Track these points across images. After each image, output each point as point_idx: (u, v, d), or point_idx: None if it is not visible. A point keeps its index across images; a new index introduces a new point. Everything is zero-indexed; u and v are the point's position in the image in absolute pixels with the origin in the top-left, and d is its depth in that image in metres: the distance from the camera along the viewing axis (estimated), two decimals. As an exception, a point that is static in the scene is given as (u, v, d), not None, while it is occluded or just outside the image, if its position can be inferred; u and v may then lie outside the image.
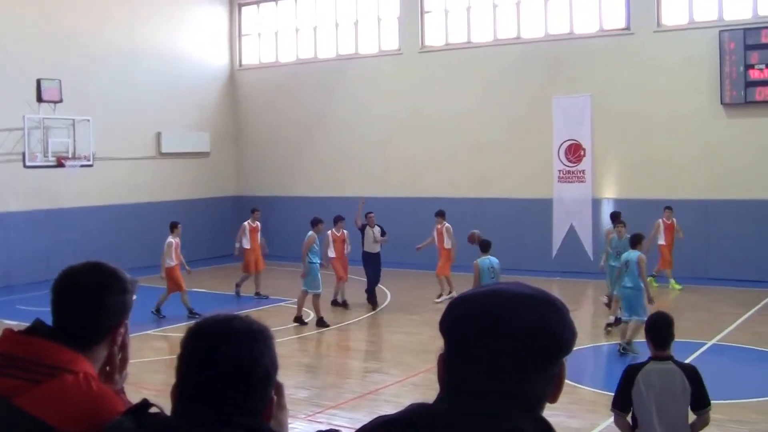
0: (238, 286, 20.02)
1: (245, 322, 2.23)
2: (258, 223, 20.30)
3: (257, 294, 19.58)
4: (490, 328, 1.82)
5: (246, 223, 20.36)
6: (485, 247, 14.24)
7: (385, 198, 24.67)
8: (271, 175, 28.16)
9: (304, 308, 16.80)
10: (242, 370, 2.14)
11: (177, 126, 26.70)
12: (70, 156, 22.10)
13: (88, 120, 22.37)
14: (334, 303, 18.42)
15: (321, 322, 16.43)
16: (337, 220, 18.75)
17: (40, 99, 21.64)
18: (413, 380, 12.57)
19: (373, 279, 18.87)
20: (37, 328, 2.52)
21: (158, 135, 26.11)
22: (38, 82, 21.62)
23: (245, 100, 28.95)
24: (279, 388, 2.26)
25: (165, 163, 26.39)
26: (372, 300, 18.65)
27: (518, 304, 1.85)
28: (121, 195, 24.75)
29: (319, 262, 16.98)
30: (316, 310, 16.56)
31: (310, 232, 17.15)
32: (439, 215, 19.75)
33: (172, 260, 17.46)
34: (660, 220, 19.94)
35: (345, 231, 18.70)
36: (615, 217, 17.94)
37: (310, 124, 27.16)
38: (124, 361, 2.66)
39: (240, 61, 29.16)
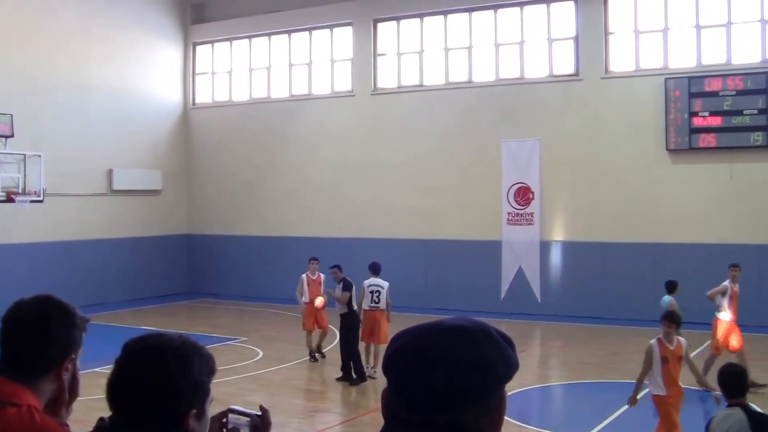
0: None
1: (161, 340, 2.28)
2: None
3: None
4: (422, 360, 1.80)
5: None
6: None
7: (335, 238, 24.75)
8: (222, 213, 28.02)
9: None
10: (150, 385, 2.19)
11: (129, 163, 26.52)
12: (20, 191, 21.85)
13: (40, 155, 22.18)
14: None
15: None
16: None
17: (-10, 133, 21.36)
18: (361, 419, 12.62)
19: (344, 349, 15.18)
20: None
21: (110, 172, 25.92)
22: (-11, 116, 21.35)
23: (198, 139, 28.86)
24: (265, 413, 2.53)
25: (116, 201, 26.16)
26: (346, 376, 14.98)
27: (451, 337, 1.82)
28: (72, 231, 24.48)
29: None
30: None
31: None
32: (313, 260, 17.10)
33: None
34: None
35: None
36: None
37: (263, 163, 27.18)
38: (74, 395, 2.64)
39: (193, 99, 29.12)
